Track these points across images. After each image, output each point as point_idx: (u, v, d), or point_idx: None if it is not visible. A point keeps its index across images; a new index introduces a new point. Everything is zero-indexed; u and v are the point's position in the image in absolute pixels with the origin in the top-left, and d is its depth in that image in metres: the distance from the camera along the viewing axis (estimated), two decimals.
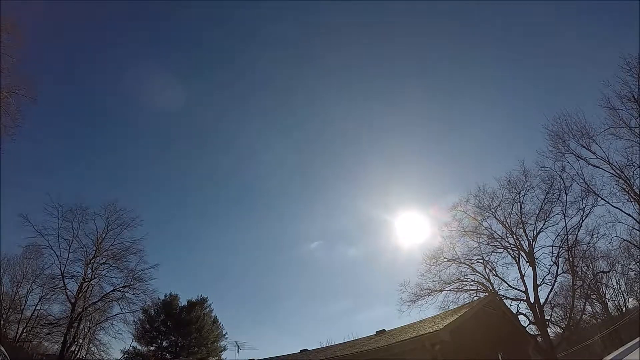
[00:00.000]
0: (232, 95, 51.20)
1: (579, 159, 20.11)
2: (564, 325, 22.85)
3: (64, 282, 25.74)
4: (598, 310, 32.04)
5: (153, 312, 34.37)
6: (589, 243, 20.62)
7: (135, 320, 30.43)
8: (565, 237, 20.03)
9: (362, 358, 12.38)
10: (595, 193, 19.75)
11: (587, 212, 19.87)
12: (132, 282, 27.37)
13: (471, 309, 13.82)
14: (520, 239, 21.22)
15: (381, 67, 47.97)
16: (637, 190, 19.06)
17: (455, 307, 18.42)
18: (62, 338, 24.75)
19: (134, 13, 42.23)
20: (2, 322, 26.09)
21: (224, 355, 35.74)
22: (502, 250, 21.54)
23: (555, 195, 20.63)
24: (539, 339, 19.22)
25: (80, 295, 25.53)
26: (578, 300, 23.35)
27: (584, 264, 23.14)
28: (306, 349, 19.13)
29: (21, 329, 26.77)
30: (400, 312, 21.00)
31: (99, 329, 27.60)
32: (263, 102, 51.82)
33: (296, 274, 56.33)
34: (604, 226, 19.96)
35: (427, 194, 51.39)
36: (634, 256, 25.91)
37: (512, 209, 21.50)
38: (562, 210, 20.33)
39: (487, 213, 22.13)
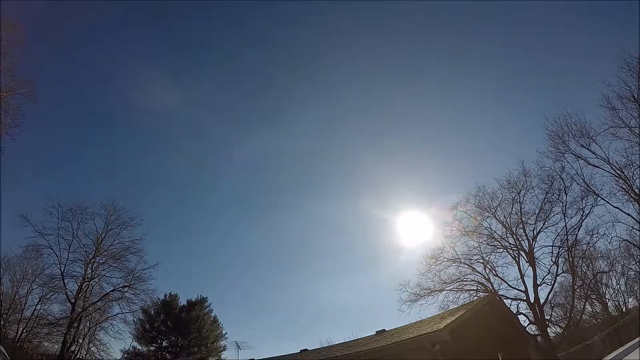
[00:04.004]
0: (233, 95, 51.29)
1: (578, 158, 20.15)
2: (564, 325, 22.82)
3: (64, 282, 25.77)
4: (598, 310, 32.03)
5: (153, 312, 34.40)
6: (588, 243, 20.61)
7: (135, 320, 30.52)
8: (565, 237, 20.03)
9: (362, 358, 12.40)
10: (595, 193, 19.76)
11: (587, 212, 19.88)
12: (132, 282, 27.37)
13: (471, 308, 13.82)
14: (520, 239, 21.22)
15: (381, 66, 48.01)
16: (637, 190, 19.07)
17: (455, 307, 18.41)
18: (62, 338, 24.73)
19: (136, 12, 42.28)
20: (2, 322, 26.07)
21: (223, 355, 35.80)
22: (502, 250, 21.55)
23: (555, 195, 20.65)
24: (539, 339, 19.21)
25: (80, 295, 25.51)
26: (578, 300, 23.35)
27: (583, 263, 23.10)
28: (306, 349, 19.12)
29: (21, 329, 26.73)
30: (400, 311, 21.00)
31: (99, 329, 27.60)
32: (263, 103, 51.92)
33: (296, 274, 56.33)
34: (603, 226, 19.95)
35: (428, 193, 51.46)
36: (634, 256, 25.88)
37: (512, 208, 21.51)
38: (562, 210, 20.34)
39: (487, 213, 22.13)
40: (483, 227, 22.17)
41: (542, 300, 19.58)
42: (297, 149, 51.26)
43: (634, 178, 19.07)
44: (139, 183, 50.72)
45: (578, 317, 23.92)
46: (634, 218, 19.63)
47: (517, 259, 20.98)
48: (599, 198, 19.71)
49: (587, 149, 19.90)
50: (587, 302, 26.67)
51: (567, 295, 23.35)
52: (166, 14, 44.70)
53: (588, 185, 19.93)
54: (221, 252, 55.08)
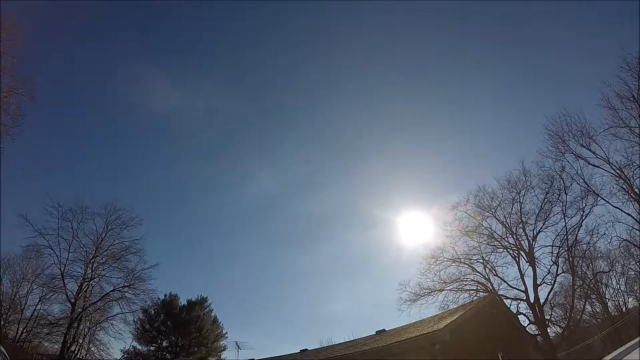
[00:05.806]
0: (233, 95, 51.29)
1: (578, 158, 20.08)
2: (564, 325, 22.78)
3: (64, 282, 25.75)
4: (598, 310, 32.01)
5: (153, 312, 34.38)
6: (588, 243, 20.53)
7: (135, 320, 30.51)
8: (565, 236, 19.98)
9: (362, 358, 12.40)
10: (595, 193, 19.71)
11: (587, 211, 19.80)
12: (132, 282, 27.37)
13: (471, 308, 13.82)
14: (520, 239, 21.18)
15: (381, 66, 48.02)
16: (637, 190, 19.04)
17: (455, 307, 18.40)
18: (62, 338, 24.72)
19: (136, 12, 42.29)
20: (2, 322, 26.06)
21: (224, 355, 35.80)
22: (502, 250, 21.49)
23: (555, 195, 20.60)
24: (539, 338, 19.19)
25: (80, 295, 25.49)
26: (578, 300, 23.30)
27: (583, 263, 23.07)
28: (306, 349, 19.13)
29: (21, 329, 26.71)
30: (400, 311, 20.96)
31: (99, 329, 27.59)
32: (264, 103, 51.97)
33: (296, 273, 56.33)
34: (603, 226, 19.85)
35: (429, 193, 51.51)
36: (634, 256, 25.88)
37: (512, 208, 21.45)
38: (562, 210, 20.29)
39: (487, 213, 22.07)
40: (483, 227, 22.13)
41: (542, 300, 19.55)
42: (298, 149, 51.36)
43: (634, 178, 19.05)
44: (139, 183, 50.80)
45: (578, 317, 23.87)
46: (634, 218, 19.61)
47: (517, 258, 20.95)
48: (599, 198, 19.68)
49: (587, 148, 19.88)
50: (587, 302, 26.63)
51: (567, 295, 23.33)
52: (166, 13, 44.73)
53: (588, 185, 19.89)
54: (221, 252, 55.14)
